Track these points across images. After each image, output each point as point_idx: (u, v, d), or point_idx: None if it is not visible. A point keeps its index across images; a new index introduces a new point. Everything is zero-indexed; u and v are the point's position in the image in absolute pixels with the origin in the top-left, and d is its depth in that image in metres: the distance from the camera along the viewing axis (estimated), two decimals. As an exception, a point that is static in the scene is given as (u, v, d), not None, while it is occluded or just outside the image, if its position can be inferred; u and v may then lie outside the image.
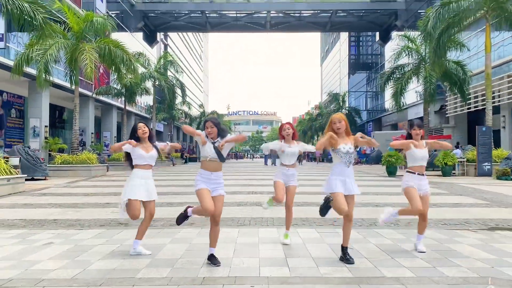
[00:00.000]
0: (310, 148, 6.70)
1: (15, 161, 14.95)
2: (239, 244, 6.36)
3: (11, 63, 21.79)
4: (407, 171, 6.14)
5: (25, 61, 20.02)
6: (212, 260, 5.22)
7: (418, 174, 6.04)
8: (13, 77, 20.42)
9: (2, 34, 21.81)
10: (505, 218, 8.88)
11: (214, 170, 5.25)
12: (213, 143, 5.23)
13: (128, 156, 5.91)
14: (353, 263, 5.22)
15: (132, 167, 5.87)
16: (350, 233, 5.45)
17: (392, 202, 10.42)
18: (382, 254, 5.77)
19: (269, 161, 42.47)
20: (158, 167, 34.62)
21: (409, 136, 6.17)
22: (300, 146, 6.53)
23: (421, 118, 41.38)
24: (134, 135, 5.91)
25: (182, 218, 5.60)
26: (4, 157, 14.50)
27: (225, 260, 5.35)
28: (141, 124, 5.98)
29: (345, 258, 5.30)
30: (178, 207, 10.33)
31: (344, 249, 5.40)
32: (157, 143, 6.07)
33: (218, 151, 5.18)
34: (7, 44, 23.44)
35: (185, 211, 5.54)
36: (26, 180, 17.78)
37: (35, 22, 14.69)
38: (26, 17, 14.36)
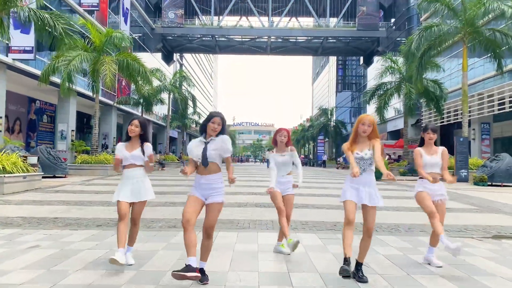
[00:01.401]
0: (298, 166, 5.15)
1: (33, 159, 13.49)
2: (237, 252, 4.92)
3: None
4: (420, 177, 4.73)
5: (51, 71, 18.67)
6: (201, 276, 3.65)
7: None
8: (40, 85, 19.09)
9: (32, 47, 20.42)
10: (503, 225, 7.43)
11: (206, 174, 3.76)
12: (206, 143, 3.75)
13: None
14: (366, 281, 3.77)
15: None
16: (368, 250, 4.00)
17: (391, 206, 8.99)
18: (395, 268, 4.33)
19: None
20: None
21: (422, 140, 4.76)
22: (291, 155, 5.02)
23: (398, 130, 40.10)
24: (126, 133, 4.50)
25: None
26: (23, 156, 13.04)
27: (220, 275, 3.93)
28: (134, 121, 4.50)
29: (358, 275, 3.86)
30: (180, 207, 8.89)
31: (358, 265, 3.93)
32: (147, 146, 4.50)
33: (204, 153, 3.71)
34: (37, 56, 22.08)
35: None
36: (48, 177, 16.42)
37: (55, 33, 13.31)
38: (47, 27, 12.98)
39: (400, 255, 4.97)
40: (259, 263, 4.47)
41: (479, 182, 16.83)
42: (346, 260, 3.87)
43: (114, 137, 36.52)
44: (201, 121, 58.43)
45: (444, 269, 4.33)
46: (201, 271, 3.66)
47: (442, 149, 4.70)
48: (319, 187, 15.44)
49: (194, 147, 3.78)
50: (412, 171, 23.58)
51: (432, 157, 4.63)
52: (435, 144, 4.79)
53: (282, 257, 4.73)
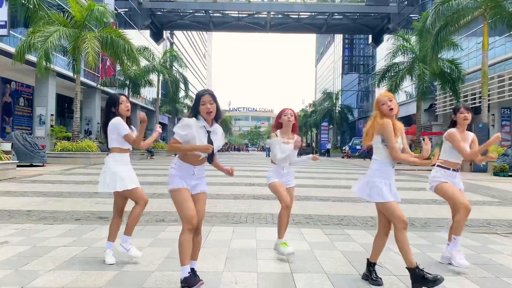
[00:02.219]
0: (300, 159, 4.70)
1: (6, 146, 13.23)
2: (232, 249, 4.72)
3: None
4: (438, 166, 4.43)
5: (27, 48, 18.28)
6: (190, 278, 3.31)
7: (453, 170, 4.41)
8: (15, 63, 18.72)
9: (5, 22, 19.95)
10: (529, 220, 7.27)
11: (200, 164, 3.48)
12: (209, 132, 3.41)
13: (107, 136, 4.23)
14: (381, 284, 3.57)
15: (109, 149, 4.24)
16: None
17: (405, 198, 8.81)
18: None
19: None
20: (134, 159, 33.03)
21: (453, 124, 4.43)
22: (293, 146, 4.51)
23: (410, 116, 39.92)
24: (111, 111, 4.22)
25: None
26: (-5, 143, 12.80)
27: (213, 275, 3.73)
28: (124, 98, 4.28)
29: (371, 277, 3.65)
30: (169, 198, 8.69)
31: (371, 265, 3.70)
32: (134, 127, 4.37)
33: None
34: (12, 32, 21.64)
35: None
36: (24, 166, 16.21)
37: (29, 5, 12.94)
38: (21, -1, 12.63)
39: (418, 252, 4.78)
40: (258, 262, 4.27)
41: (499, 172, 16.70)
42: (411, 270, 3.46)
43: (98, 122, 36.15)
44: (194, 105, 58.19)
45: (469, 269, 4.13)
46: (193, 271, 3.38)
47: (473, 136, 4.46)
48: (322, 178, 15.27)
49: (198, 133, 3.34)
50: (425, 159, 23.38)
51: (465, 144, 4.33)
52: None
53: (283, 258, 4.52)
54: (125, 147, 4.21)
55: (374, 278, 3.63)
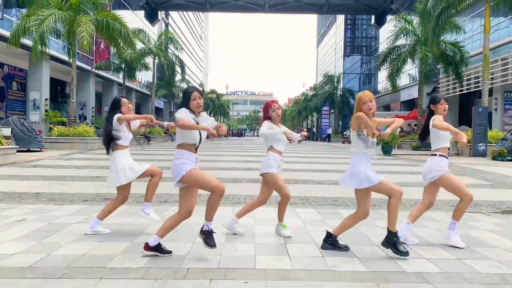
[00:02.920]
0: (295, 135, 5.24)
1: (6, 131, 13.83)
2: (232, 225, 5.36)
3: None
4: (440, 155, 4.82)
5: (22, 32, 18.74)
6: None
7: (446, 157, 4.88)
8: (10, 47, 19.19)
9: (-1, 4, 20.41)
10: (515, 201, 7.93)
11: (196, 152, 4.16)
12: (197, 122, 4.04)
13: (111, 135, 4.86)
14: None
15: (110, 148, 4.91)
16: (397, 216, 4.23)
17: (396, 182, 9.43)
18: (394, 241, 4.79)
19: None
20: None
21: (431, 113, 4.86)
22: (284, 130, 5.03)
23: (413, 100, 40.45)
24: (115, 111, 4.91)
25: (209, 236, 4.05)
26: (-5, 128, 13.39)
27: (217, 246, 4.36)
28: (125, 100, 5.00)
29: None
30: (170, 181, 9.33)
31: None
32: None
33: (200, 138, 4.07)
34: (5, 15, 22.05)
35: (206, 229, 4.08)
36: (22, 151, 16.80)
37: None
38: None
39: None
40: (256, 235, 4.92)
41: (498, 156, 17.33)
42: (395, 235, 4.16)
43: (92, 107, 36.69)
44: (190, 89, 58.52)
45: (445, 240, 4.78)
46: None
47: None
48: (321, 162, 15.92)
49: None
50: (427, 145, 24.01)
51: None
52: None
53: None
54: (124, 143, 4.90)
55: (342, 247, 4.30)
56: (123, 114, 4.89)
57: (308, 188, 9.01)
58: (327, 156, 20.23)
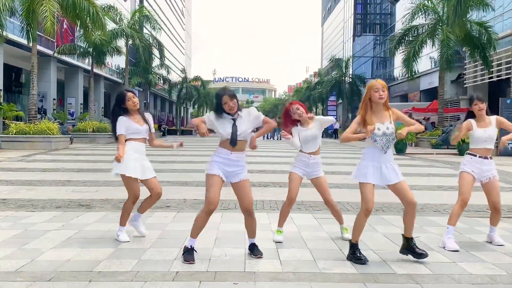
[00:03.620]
0: (329, 119, 6.03)
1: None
2: (222, 231, 6.10)
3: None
4: (467, 153, 5.77)
5: (-27, 12, 19.34)
6: (253, 250, 5.04)
7: (479, 157, 5.66)
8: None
9: None
10: (536, 205, 8.73)
11: (238, 150, 4.88)
12: (234, 119, 4.84)
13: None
14: (427, 255, 4.85)
15: (116, 138, 5.68)
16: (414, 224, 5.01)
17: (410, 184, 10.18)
18: (391, 245, 5.55)
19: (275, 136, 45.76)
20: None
21: (470, 115, 5.77)
22: (317, 123, 5.73)
23: (435, 88, 41.32)
24: (121, 106, 5.70)
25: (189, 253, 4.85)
26: None
27: (204, 251, 5.09)
28: (130, 94, 5.73)
29: (415, 251, 4.88)
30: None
31: (411, 240, 4.94)
32: (149, 116, 5.97)
33: (235, 133, 4.80)
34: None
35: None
36: (-26, 152, 17.46)
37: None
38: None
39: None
40: (246, 241, 5.65)
41: (528, 155, 18.15)
42: (354, 245, 4.89)
43: (54, 99, 37.20)
44: (170, 76, 59.27)
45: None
46: (253, 246, 5.04)
47: (495, 118, 5.72)
48: (324, 163, 16.66)
49: (224, 123, 4.83)
50: (448, 142, 24.81)
51: (485, 130, 5.60)
52: (487, 113, 5.75)
53: (271, 235, 5.90)
54: (134, 137, 5.65)
55: (418, 252, 4.88)
56: (128, 109, 5.65)
57: (305, 191, 9.74)
58: (333, 156, 20.92)
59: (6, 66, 31.61)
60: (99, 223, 6.55)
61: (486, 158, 5.66)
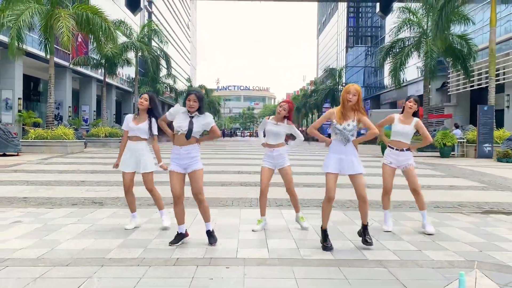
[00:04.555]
0: (299, 137, 6.48)
1: (-17, 135, 14.81)
2: (218, 225, 6.41)
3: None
4: (388, 146, 6.33)
5: (-3, 29, 19.72)
6: (209, 238, 5.37)
7: (396, 149, 6.21)
8: (-17, 45, 20.14)
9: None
10: (501, 202, 9.04)
11: (187, 143, 5.26)
12: (192, 117, 5.24)
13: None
14: (371, 244, 5.23)
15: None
16: (367, 213, 5.37)
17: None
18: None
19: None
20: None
21: (403, 109, 6.30)
22: (288, 129, 6.24)
23: (421, 96, 41.61)
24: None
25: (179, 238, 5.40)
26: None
27: (201, 241, 5.41)
28: (144, 95, 6.12)
29: (365, 238, 5.28)
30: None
31: (364, 227, 5.33)
32: (154, 122, 6.14)
33: (191, 127, 5.20)
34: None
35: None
36: (-3, 155, 17.80)
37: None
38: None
39: (378, 226, 6.51)
40: (240, 233, 5.98)
41: (503, 158, 18.46)
42: (325, 232, 5.28)
43: (69, 106, 37.61)
44: (176, 85, 59.64)
45: (413, 236, 5.87)
46: (209, 232, 5.37)
47: (416, 120, 6.20)
48: (315, 165, 16.98)
49: (180, 118, 5.25)
50: (431, 146, 25.09)
51: (404, 126, 6.15)
52: (415, 115, 6.25)
53: (262, 228, 6.23)
54: (130, 134, 6.07)
55: (366, 240, 5.24)
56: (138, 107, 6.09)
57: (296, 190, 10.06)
58: (322, 158, 21.18)
59: (26, 77, 32.01)
60: (110, 218, 6.87)
61: (402, 150, 6.17)
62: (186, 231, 5.43)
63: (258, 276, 4.23)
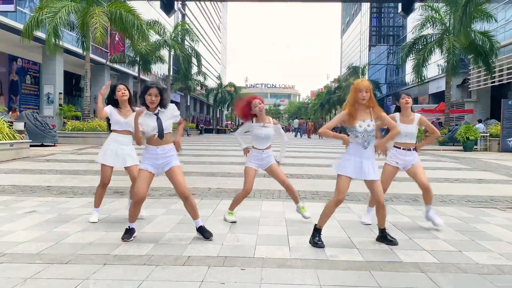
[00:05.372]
0: (285, 138, 5.69)
1: (19, 126, 14.41)
2: (238, 217, 5.63)
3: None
4: (394, 146, 5.41)
5: (35, 25, 19.38)
6: (203, 233, 4.63)
7: (403, 149, 5.33)
8: (23, 40, 19.85)
9: (12, -3, 21.03)
10: (537, 197, 8.01)
11: (164, 143, 4.56)
12: (156, 114, 4.52)
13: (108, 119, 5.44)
14: (397, 243, 4.47)
15: (111, 130, 5.40)
16: (385, 217, 4.61)
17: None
18: (398, 233, 5.01)
19: (298, 134, 45.09)
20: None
21: (397, 109, 5.42)
22: (276, 128, 5.44)
23: (442, 92, 40.03)
24: (112, 97, 5.39)
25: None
26: (8, 122, 13.96)
27: (218, 236, 4.66)
28: (121, 86, 5.43)
29: (387, 239, 4.56)
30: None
31: (383, 231, 4.60)
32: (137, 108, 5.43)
33: (160, 125, 4.49)
34: (18, 8, 22.72)
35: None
36: (36, 146, 17.44)
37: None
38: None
39: (409, 222, 5.64)
40: (260, 227, 5.20)
41: (528, 151, 17.19)
42: (319, 231, 4.53)
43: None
44: (207, 82, 59.10)
45: (451, 235, 4.98)
46: (201, 228, 4.61)
47: (419, 116, 5.33)
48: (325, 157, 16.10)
49: (146, 120, 4.50)
50: (453, 140, 23.91)
51: (407, 126, 5.23)
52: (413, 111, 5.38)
53: (284, 223, 5.44)
54: (115, 128, 5.35)
55: (390, 239, 4.52)
56: (117, 99, 5.33)
57: (318, 183, 9.24)
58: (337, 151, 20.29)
59: (68, 73, 31.98)
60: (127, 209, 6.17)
61: (409, 150, 5.30)
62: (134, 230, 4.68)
63: (278, 281, 3.42)
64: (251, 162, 5.44)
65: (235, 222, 5.41)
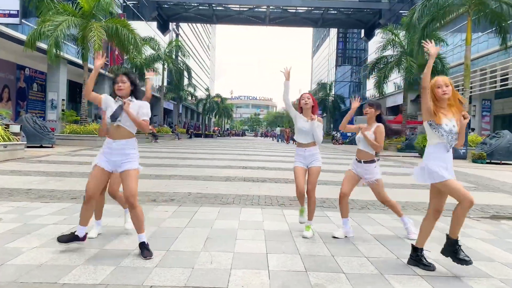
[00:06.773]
0: (319, 134, 4.43)
1: (15, 128, 13.00)
2: (215, 230, 4.54)
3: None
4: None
5: (37, 36, 17.96)
6: (142, 250, 3.50)
7: (356, 159, 4.47)
8: (26, 50, 18.43)
9: (17, 11, 19.55)
10: (502, 205, 7.12)
11: (120, 137, 3.55)
12: (122, 102, 3.56)
13: None
14: (434, 269, 3.41)
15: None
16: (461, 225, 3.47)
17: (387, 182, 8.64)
18: (383, 250, 3.97)
19: (280, 140, 44.46)
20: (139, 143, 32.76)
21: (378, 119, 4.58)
22: (314, 125, 4.37)
23: (397, 106, 39.60)
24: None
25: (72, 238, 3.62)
26: (5, 124, 12.58)
27: (190, 255, 3.56)
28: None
29: (421, 262, 3.49)
30: (164, 179, 8.52)
31: (418, 250, 3.56)
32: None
33: (118, 110, 3.50)
34: (24, 21, 21.23)
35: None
36: (34, 147, 16.07)
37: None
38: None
39: (390, 234, 4.63)
40: (237, 242, 4.11)
41: (477, 159, 16.51)
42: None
43: (107, 108, 35.89)
44: (197, 93, 57.71)
45: (438, 252, 3.97)
46: (142, 245, 3.50)
47: (376, 125, 4.43)
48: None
49: (112, 108, 3.56)
50: (410, 147, 23.27)
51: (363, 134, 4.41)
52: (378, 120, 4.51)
53: (263, 236, 4.36)
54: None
55: (427, 264, 3.45)
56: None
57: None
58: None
59: (72, 83, 30.68)
60: (104, 216, 4.99)
61: (359, 161, 4.44)
62: (85, 235, 3.63)
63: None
64: (297, 161, 4.49)
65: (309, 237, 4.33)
